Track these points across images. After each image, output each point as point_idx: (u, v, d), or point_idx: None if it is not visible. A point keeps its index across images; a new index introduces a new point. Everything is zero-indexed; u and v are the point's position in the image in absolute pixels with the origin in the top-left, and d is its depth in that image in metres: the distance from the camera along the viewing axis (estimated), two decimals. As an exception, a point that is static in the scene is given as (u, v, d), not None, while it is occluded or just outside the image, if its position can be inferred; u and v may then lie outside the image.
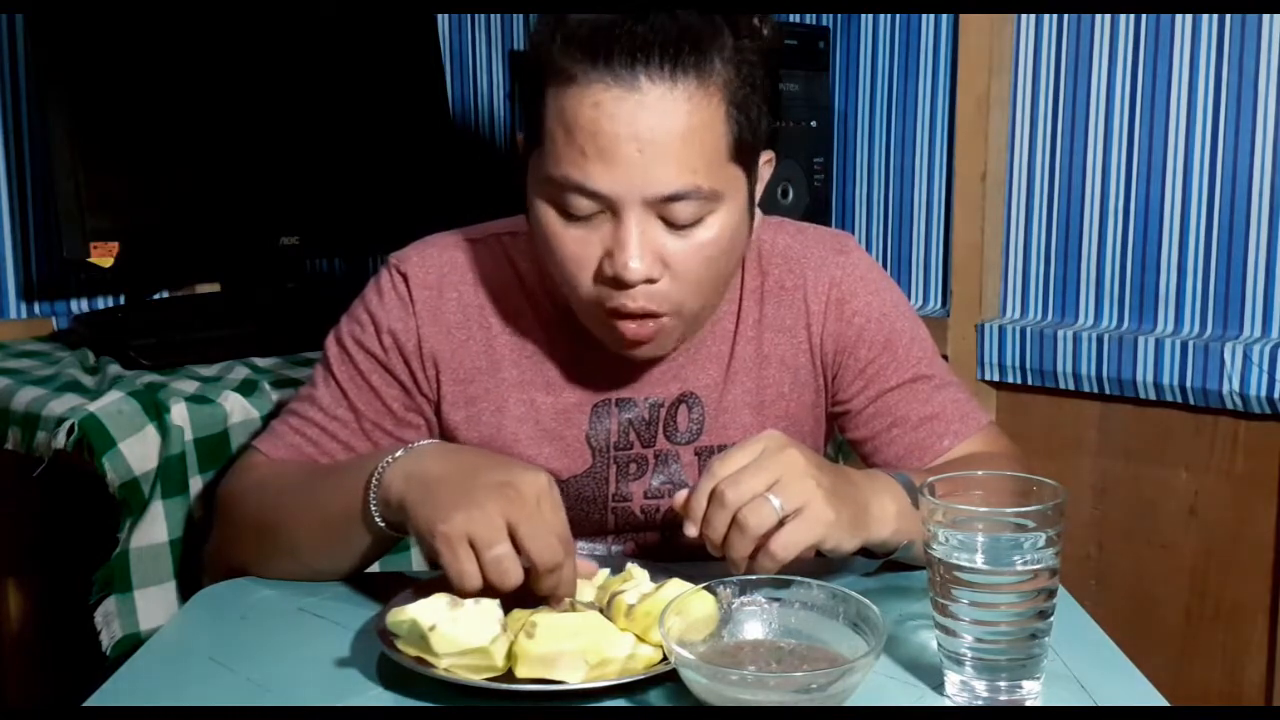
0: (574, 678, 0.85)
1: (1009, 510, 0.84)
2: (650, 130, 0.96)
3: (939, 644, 0.85)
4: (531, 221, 1.05)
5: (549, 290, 1.12)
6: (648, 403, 1.15)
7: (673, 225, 0.99)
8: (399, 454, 0.99)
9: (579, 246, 1.01)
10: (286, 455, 1.15)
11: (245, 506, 1.13)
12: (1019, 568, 0.81)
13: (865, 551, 0.99)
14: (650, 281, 1.00)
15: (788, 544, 0.89)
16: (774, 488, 0.89)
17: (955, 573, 0.82)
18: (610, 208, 0.98)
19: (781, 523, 0.89)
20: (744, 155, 1.02)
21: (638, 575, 0.94)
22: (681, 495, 0.93)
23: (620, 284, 1.00)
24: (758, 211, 1.09)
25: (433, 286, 1.14)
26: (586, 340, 1.09)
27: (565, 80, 0.97)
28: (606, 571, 0.99)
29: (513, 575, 0.90)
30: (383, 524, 0.99)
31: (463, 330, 1.14)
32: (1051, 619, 0.83)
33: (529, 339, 1.14)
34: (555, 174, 0.99)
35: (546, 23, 1.00)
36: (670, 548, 1.16)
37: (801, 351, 1.17)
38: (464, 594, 0.90)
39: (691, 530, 0.91)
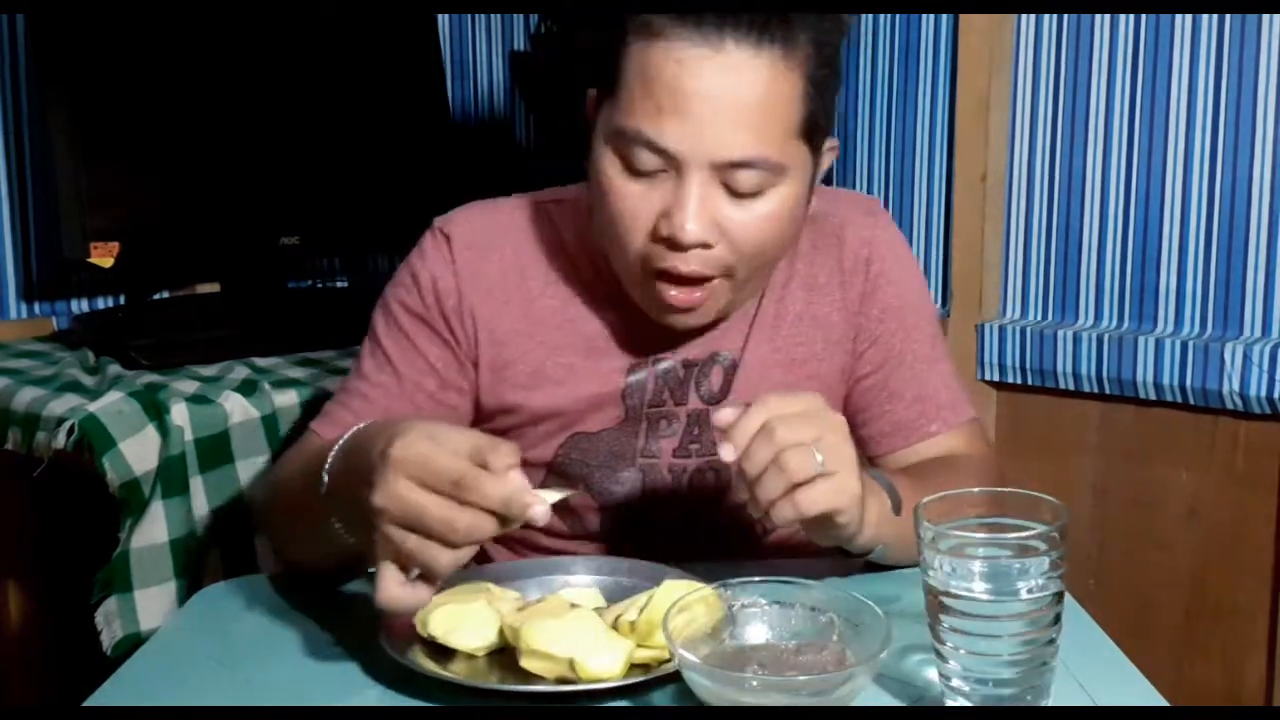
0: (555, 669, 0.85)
1: (1010, 535, 0.81)
2: (729, 92, 0.96)
3: (940, 673, 0.82)
4: (592, 174, 1.05)
5: (591, 257, 1.12)
6: (682, 363, 1.15)
7: (734, 193, 1.00)
8: (330, 467, 0.94)
9: (638, 202, 1.01)
10: (332, 431, 1.13)
11: (269, 495, 1.14)
12: (1024, 596, 0.79)
13: (841, 550, 0.99)
14: (705, 246, 1.00)
15: (815, 500, 0.87)
16: (818, 443, 0.88)
17: (949, 601, 0.79)
18: (675, 166, 0.99)
19: (813, 480, 0.88)
20: (813, 134, 1.02)
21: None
22: (728, 413, 0.89)
23: (675, 245, 1.00)
24: (833, 160, 1.10)
25: (475, 246, 1.14)
26: (626, 307, 1.10)
27: (651, 34, 0.98)
28: (596, 591, 0.99)
29: (445, 557, 0.83)
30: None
31: (502, 292, 1.14)
32: (1059, 643, 0.81)
33: (568, 304, 1.14)
34: (627, 125, 0.99)
35: None
36: (683, 517, 1.15)
37: (835, 310, 1.17)
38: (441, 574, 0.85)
39: (729, 454, 0.88)
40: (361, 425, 0.96)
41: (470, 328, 1.14)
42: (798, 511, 0.87)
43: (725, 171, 0.99)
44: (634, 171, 1.01)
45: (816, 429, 0.88)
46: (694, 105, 0.97)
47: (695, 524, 1.13)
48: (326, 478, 0.94)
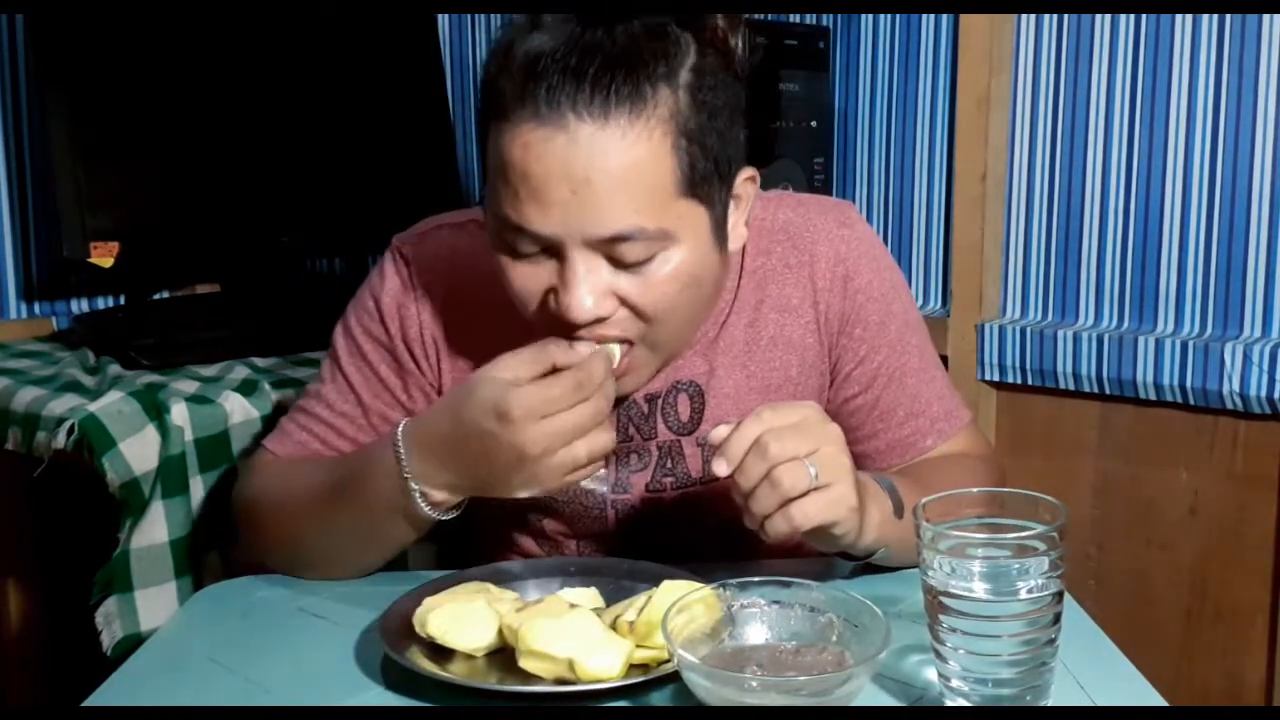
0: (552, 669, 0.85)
1: (1009, 535, 0.81)
2: (583, 170, 0.90)
3: (940, 673, 0.83)
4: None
5: None
6: (645, 396, 1.13)
7: (620, 265, 0.95)
8: (401, 450, 0.98)
9: (528, 282, 0.98)
10: (294, 453, 1.15)
11: (265, 512, 1.12)
12: (1023, 596, 0.79)
13: (843, 553, 0.98)
14: (601, 320, 0.96)
15: (809, 513, 0.87)
16: (812, 456, 0.87)
17: (949, 601, 0.79)
18: (552, 248, 0.95)
19: (807, 494, 0.88)
20: (699, 188, 0.95)
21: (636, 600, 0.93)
22: (722, 430, 0.90)
23: (568, 325, 0.96)
24: (756, 190, 1.06)
25: (435, 270, 1.13)
26: None
27: (499, 116, 0.93)
28: (595, 591, 0.99)
29: (604, 436, 0.95)
30: (434, 513, 1.00)
31: (463, 314, 1.13)
32: (1058, 643, 0.81)
33: (526, 328, 1.13)
34: (497, 212, 0.96)
35: (497, 49, 0.96)
36: (668, 549, 1.15)
37: (809, 331, 1.13)
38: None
39: (723, 469, 0.88)
40: (411, 421, 1.00)
41: (433, 354, 1.13)
42: (792, 526, 0.88)
43: (605, 245, 0.93)
44: (516, 254, 0.97)
45: (811, 441, 0.88)
46: (549, 190, 0.91)
47: (673, 552, 1.10)
48: (407, 460, 0.98)
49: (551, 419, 0.92)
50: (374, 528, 1.03)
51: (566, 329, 0.97)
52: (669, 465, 1.14)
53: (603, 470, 1.02)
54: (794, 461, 0.87)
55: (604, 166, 0.91)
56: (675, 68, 0.93)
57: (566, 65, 0.90)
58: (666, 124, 0.92)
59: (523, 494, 0.96)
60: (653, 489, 1.15)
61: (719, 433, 0.90)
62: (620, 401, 1.12)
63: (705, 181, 0.96)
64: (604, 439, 0.94)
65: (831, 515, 0.89)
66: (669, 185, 0.94)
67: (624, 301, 0.97)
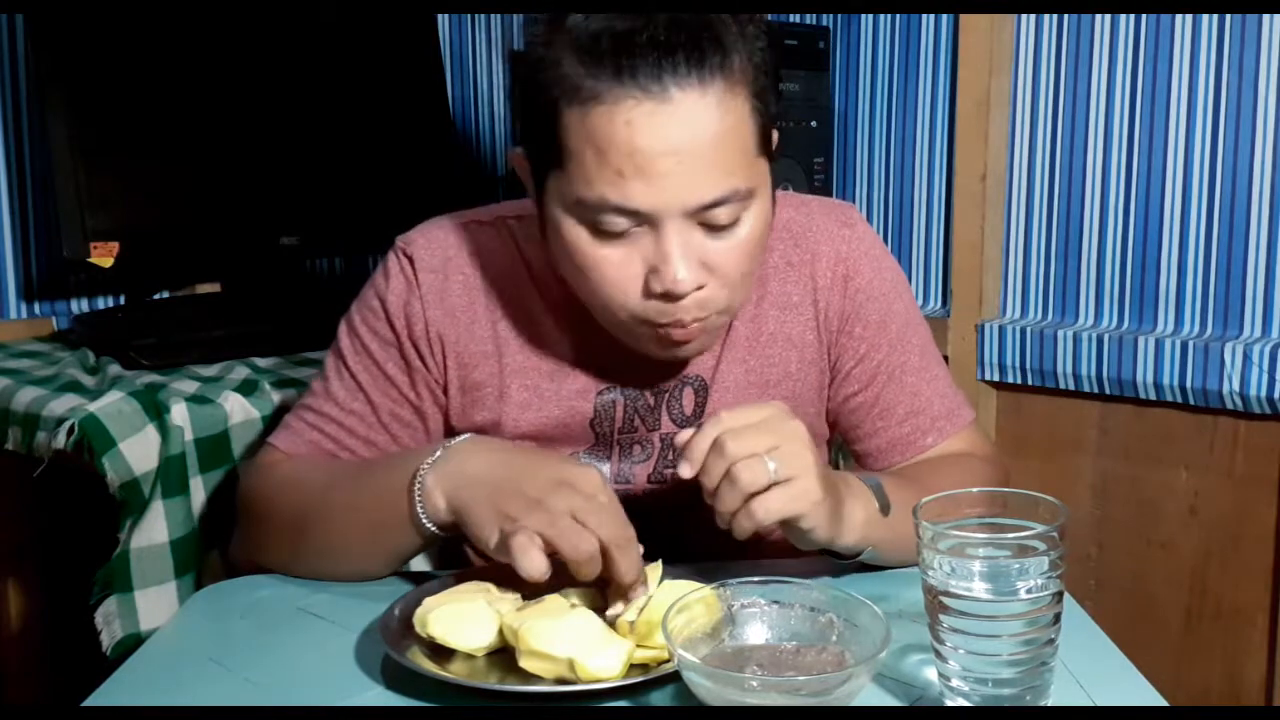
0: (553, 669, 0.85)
1: (1009, 535, 0.81)
2: (685, 141, 0.93)
3: (940, 673, 0.83)
4: (557, 244, 1.01)
5: (557, 277, 1.09)
6: (651, 389, 1.14)
7: (712, 229, 0.97)
8: (438, 454, 0.98)
9: (619, 267, 0.98)
10: (305, 453, 1.15)
11: (274, 508, 1.12)
12: (1023, 596, 0.78)
13: (831, 552, 0.99)
14: (698, 289, 0.98)
15: (770, 508, 0.89)
16: (773, 452, 0.89)
17: (949, 600, 0.79)
18: (648, 222, 0.96)
19: (769, 489, 0.89)
20: (766, 144, 1.00)
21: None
22: (686, 434, 0.92)
23: (671, 297, 0.97)
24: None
25: (438, 269, 1.13)
26: (591, 327, 1.07)
27: (589, 99, 0.93)
28: (596, 591, 0.99)
29: (585, 545, 0.90)
30: (433, 527, 0.98)
31: (467, 314, 1.13)
32: (1058, 643, 0.81)
33: (533, 325, 1.13)
34: (589, 196, 0.95)
35: (546, 36, 0.95)
36: (669, 540, 1.15)
37: (809, 329, 1.15)
38: (534, 582, 0.90)
39: (686, 471, 0.91)
40: (469, 439, 1.01)
41: (439, 353, 1.13)
42: (754, 521, 0.89)
43: (700, 213, 0.96)
44: (605, 235, 0.97)
45: (771, 438, 0.89)
46: (656, 163, 0.93)
47: (676, 546, 1.10)
48: (420, 486, 0.98)
49: (582, 511, 0.92)
50: (374, 528, 1.03)
51: (667, 302, 0.98)
52: (670, 457, 1.15)
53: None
54: (753, 458, 0.88)
55: (705, 136, 0.94)
56: (740, 32, 0.96)
57: (657, 39, 0.92)
58: (746, 87, 0.96)
59: (501, 520, 0.93)
60: (654, 480, 1.16)
61: (681, 437, 0.93)
62: (627, 391, 1.14)
63: (768, 137, 1.01)
64: (587, 542, 0.91)
65: (795, 509, 0.90)
66: (751, 145, 0.97)
67: (712, 271, 0.99)
